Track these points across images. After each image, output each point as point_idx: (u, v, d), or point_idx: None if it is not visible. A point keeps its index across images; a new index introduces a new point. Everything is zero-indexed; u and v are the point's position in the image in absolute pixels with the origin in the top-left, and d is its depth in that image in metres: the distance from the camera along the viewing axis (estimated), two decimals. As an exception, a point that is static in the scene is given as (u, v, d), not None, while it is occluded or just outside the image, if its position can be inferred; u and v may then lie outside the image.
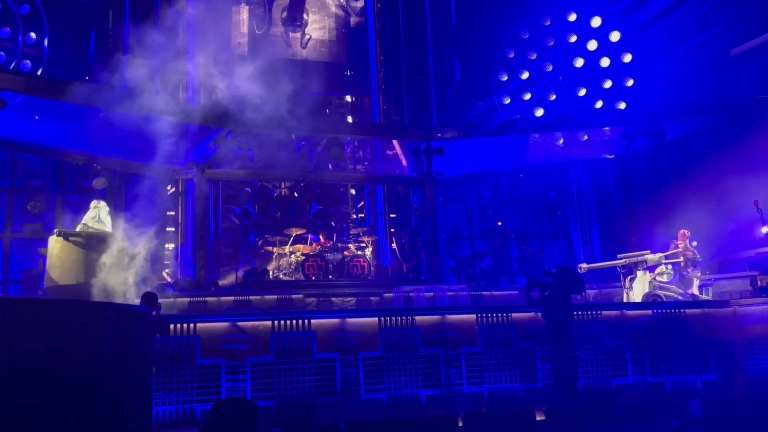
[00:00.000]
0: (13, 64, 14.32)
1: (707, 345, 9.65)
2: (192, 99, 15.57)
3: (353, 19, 18.43)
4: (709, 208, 12.89)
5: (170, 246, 15.98)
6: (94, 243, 9.74)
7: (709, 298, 11.37)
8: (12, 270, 14.28)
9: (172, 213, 16.05)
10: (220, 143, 14.61)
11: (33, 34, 14.65)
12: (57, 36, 14.63)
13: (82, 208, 10.53)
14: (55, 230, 10.21)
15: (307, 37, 17.84)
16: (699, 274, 11.67)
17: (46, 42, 14.73)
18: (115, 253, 9.54)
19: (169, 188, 15.95)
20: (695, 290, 11.40)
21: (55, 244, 9.79)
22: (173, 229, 16.06)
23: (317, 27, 18.14)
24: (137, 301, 8.64)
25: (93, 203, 10.49)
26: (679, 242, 11.84)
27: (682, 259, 11.69)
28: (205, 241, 15.24)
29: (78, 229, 10.13)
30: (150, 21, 13.21)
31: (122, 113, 12.79)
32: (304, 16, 17.78)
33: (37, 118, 13.15)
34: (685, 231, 11.92)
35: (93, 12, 14.43)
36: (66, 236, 9.75)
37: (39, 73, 14.44)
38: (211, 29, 15.60)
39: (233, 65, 15.35)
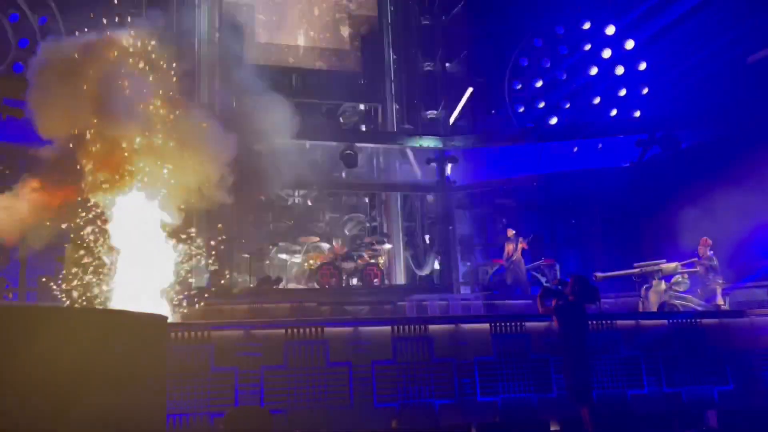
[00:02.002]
0: (31, 74, 14.48)
1: (724, 355, 9.56)
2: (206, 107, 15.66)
3: (364, 28, 18.47)
4: (725, 216, 12.76)
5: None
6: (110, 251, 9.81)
7: (726, 307, 11.25)
8: (29, 277, 14.40)
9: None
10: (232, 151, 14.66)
11: (51, 44, 14.81)
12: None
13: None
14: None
15: (320, 46, 17.92)
16: (721, 282, 11.53)
17: (64, 52, 14.89)
18: (130, 261, 9.58)
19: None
20: (720, 299, 11.27)
21: (71, 252, 9.87)
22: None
23: (331, 36, 18.23)
24: (153, 309, 8.69)
25: None
26: (700, 248, 11.73)
27: (698, 268, 11.58)
28: (219, 249, 15.27)
29: None
30: (164, 29, 13.33)
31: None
32: (306, 26, 17.88)
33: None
34: (707, 238, 11.81)
35: (110, 23, 14.57)
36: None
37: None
38: (225, 38, 15.74)
39: (247, 73, 15.43)
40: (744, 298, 11.53)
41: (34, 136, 13.31)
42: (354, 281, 14.97)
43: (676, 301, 11.21)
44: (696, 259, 11.78)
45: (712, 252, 11.86)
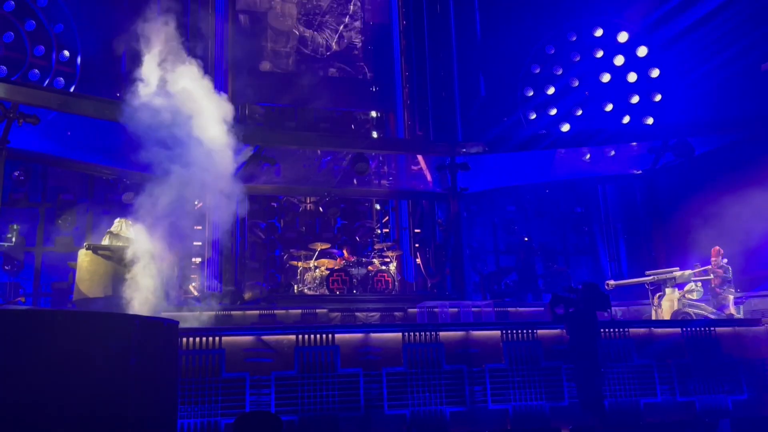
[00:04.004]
0: (47, 81, 14.68)
1: (738, 364, 9.46)
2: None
3: (377, 36, 18.56)
4: (739, 224, 12.66)
5: (197, 260, 16.15)
6: (122, 256, 9.88)
7: (741, 316, 11.14)
8: (43, 283, 14.54)
9: (200, 227, 16.23)
10: (246, 158, 14.75)
11: (66, 52, 15.01)
12: (89, 54, 14.97)
13: (111, 222, 10.69)
14: (84, 244, 10.37)
15: (330, 51, 18.00)
16: (734, 291, 11.42)
17: (79, 60, 15.08)
18: (142, 266, 9.65)
19: (196, 202, 16.13)
20: (732, 309, 11.15)
21: (84, 257, 9.94)
22: (200, 243, 16.23)
23: (343, 43, 18.31)
24: (163, 314, 8.74)
25: (116, 221, 10.60)
26: (713, 259, 11.63)
27: (712, 276, 11.48)
28: (231, 256, 15.38)
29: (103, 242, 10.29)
30: (178, 39, 13.46)
31: (151, 130, 13.00)
32: (319, 36, 18.00)
33: (69, 133, 13.44)
34: (719, 248, 11.71)
35: (124, 30, 14.75)
36: (95, 250, 9.90)
37: (72, 90, 14.77)
38: (238, 47, 15.85)
39: (259, 81, 15.55)
40: (759, 306, 11.41)
41: (49, 143, 13.51)
42: (365, 288, 14.99)
43: (690, 309, 11.10)
44: (710, 266, 11.68)
45: (726, 260, 11.75)
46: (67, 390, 4.97)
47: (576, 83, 17.60)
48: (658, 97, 16.96)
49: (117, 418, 5.17)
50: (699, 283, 11.45)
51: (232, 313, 12.67)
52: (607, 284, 12.07)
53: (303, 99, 17.07)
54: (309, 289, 14.85)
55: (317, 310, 13.07)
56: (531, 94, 17.77)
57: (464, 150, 15.88)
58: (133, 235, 10.17)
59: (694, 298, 11.36)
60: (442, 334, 8.90)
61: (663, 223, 16.09)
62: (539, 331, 9.11)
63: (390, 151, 17.04)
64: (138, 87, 10.04)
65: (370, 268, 15.11)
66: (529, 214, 18.40)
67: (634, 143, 15.90)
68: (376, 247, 16.53)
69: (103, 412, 5.11)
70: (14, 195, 14.56)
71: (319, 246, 15.31)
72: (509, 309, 13.74)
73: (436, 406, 8.48)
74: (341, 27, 18.36)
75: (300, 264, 15.28)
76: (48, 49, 14.85)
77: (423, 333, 8.83)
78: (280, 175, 16.14)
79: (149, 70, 10.15)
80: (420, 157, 16.85)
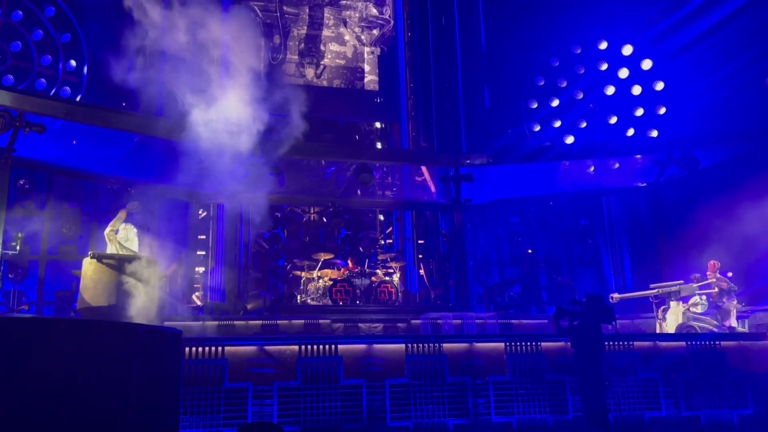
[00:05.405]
0: (53, 91, 14.76)
1: (743, 378, 9.41)
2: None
3: (376, 50, 18.62)
4: (744, 237, 12.62)
5: (200, 269, 16.16)
6: (126, 265, 9.91)
7: (746, 330, 11.08)
8: (47, 291, 14.54)
9: (203, 237, 16.25)
10: (250, 168, 14.77)
11: (73, 62, 15.11)
12: (96, 63, 15.05)
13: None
14: (89, 252, 10.40)
15: (322, 67, 18.06)
16: (736, 305, 11.37)
17: (85, 69, 15.17)
18: (146, 275, 9.67)
19: (200, 212, 16.17)
20: (733, 322, 11.10)
21: (88, 266, 9.97)
22: (204, 252, 16.24)
23: (348, 53, 18.38)
24: (167, 323, 8.73)
25: (121, 225, 10.69)
26: (708, 273, 11.58)
27: (716, 289, 11.43)
28: (234, 265, 15.37)
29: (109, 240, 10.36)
30: (183, 52, 13.55)
31: (156, 139, 13.08)
32: (321, 47, 18.07)
33: (74, 142, 13.49)
34: (715, 262, 11.65)
35: (130, 41, 14.87)
36: (99, 258, 9.93)
37: (78, 99, 14.85)
38: (239, 59, 15.89)
39: (262, 92, 15.53)
40: (765, 320, 11.34)
41: (55, 152, 13.56)
42: (368, 298, 14.96)
43: (694, 323, 11.06)
44: (707, 280, 11.64)
45: (731, 273, 11.70)
46: (69, 398, 4.95)
47: (580, 96, 17.62)
48: (662, 110, 16.96)
49: (119, 426, 5.15)
50: (704, 297, 11.40)
51: (235, 322, 12.65)
52: (612, 297, 12.04)
53: (307, 109, 17.10)
54: (312, 299, 14.83)
55: (320, 321, 13.05)
56: (535, 106, 17.79)
57: (468, 161, 15.89)
58: (136, 240, 10.23)
59: (699, 311, 11.31)
60: (445, 345, 8.87)
61: (667, 235, 16.04)
62: (543, 344, 9.08)
63: (394, 162, 17.06)
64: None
65: (373, 278, 15.09)
66: (533, 226, 18.36)
67: (639, 156, 15.89)
68: (380, 257, 16.51)
69: (105, 421, 5.09)
70: (19, 203, 14.59)
71: (323, 256, 15.30)
72: (513, 321, 13.71)
73: (439, 419, 8.44)
74: (346, 38, 18.44)
75: (303, 274, 15.27)
76: (55, 58, 14.94)
77: (426, 344, 8.80)
78: (284, 185, 16.15)
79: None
80: (424, 168, 16.86)
